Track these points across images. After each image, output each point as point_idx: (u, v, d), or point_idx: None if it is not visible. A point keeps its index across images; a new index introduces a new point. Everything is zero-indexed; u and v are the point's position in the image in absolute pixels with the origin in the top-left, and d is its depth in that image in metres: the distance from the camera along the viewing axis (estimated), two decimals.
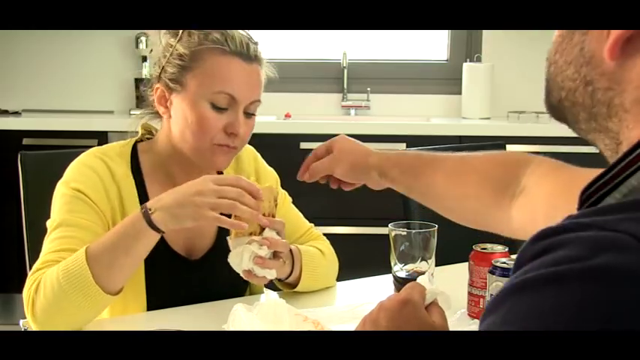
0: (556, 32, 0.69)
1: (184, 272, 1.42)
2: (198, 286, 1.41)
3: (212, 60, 1.33)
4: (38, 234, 1.54)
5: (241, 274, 1.29)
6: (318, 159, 1.33)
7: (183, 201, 1.22)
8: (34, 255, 1.54)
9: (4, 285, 3.11)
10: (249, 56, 1.35)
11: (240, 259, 1.27)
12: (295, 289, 1.43)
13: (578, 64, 0.65)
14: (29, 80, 3.54)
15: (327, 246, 1.55)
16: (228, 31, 1.34)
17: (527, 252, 0.55)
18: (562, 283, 0.50)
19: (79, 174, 1.36)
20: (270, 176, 1.56)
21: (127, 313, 1.37)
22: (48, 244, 1.31)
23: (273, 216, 1.33)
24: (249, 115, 1.38)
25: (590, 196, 0.59)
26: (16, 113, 3.32)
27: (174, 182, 1.37)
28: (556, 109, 0.70)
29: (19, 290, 1.31)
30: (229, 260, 1.28)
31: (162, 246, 1.38)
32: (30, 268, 1.53)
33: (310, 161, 1.33)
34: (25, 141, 3.01)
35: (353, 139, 1.36)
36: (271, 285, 1.42)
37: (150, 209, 1.22)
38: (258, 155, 1.60)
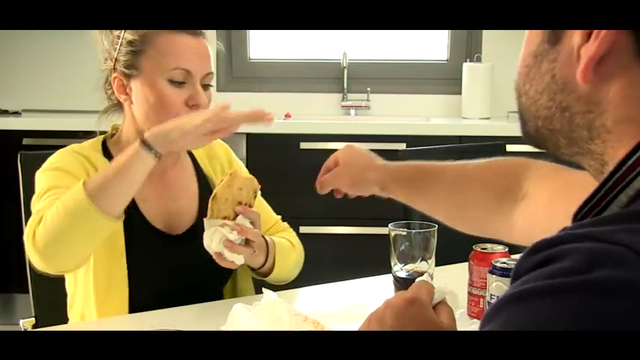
0: (519, 63, 0.68)
1: (166, 247, 1.45)
2: (181, 262, 1.43)
3: (163, 39, 1.38)
4: None
5: (213, 256, 1.33)
6: (328, 171, 1.33)
7: (177, 122, 1.31)
8: None
9: (4, 285, 3.11)
10: (195, 31, 1.41)
11: (211, 240, 1.32)
12: (267, 279, 1.47)
13: (552, 91, 0.65)
14: (29, 80, 3.55)
15: (294, 237, 1.59)
16: None
17: (524, 263, 0.55)
18: (558, 296, 0.50)
19: (58, 158, 1.41)
20: (240, 169, 1.59)
21: (111, 289, 1.37)
22: (41, 204, 1.33)
23: (251, 207, 1.38)
24: (206, 86, 1.43)
25: (582, 219, 0.60)
26: (16, 113, 3.32)
27: None
28: (535, 138, 0.70)
29: (19, 290, 1.31)
30: (204, 241, 1.33)
31: (142, 222, 1.42)
32: (30, 268, 1.53)
33: (321, 174, 1.34)
34: (25, 141, 3.01)
35: (359, 148, 1.37)
36: (271, 286, 1.42)
37: (148, 139, 1.29)
38: (231, 151, 1.65)
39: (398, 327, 0.81)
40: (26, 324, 1.51)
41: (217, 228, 1.32)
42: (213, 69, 1.46)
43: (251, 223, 1.36)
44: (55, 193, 1.32)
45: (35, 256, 1.27)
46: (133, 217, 1.39)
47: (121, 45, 1.40)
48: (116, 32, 1.41)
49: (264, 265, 1.43)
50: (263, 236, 1.42)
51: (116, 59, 1.41)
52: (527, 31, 0.68)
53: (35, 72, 3.54)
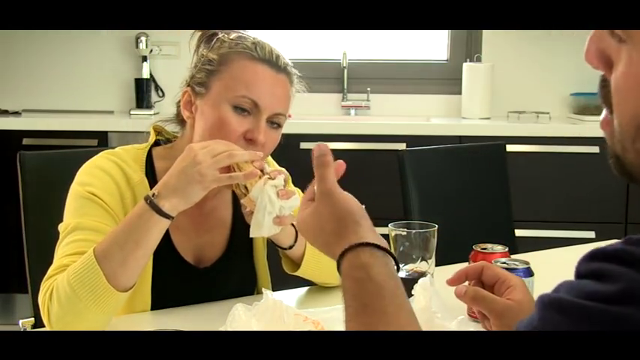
0: (620, 125, 0.61)
1: (192, 280, 1.40)
2: (206, 295, 1.40)
3: (239, 64, 1.32)
4: (38, 234, 1.55)
5: (273, 224, 1.25)
6: None
7: (186, 177, 1.21)
8: (34, 255, 1.54)
9: (4, 285, 3.11)
10: (277, 65, 1.34)
11: (264, 213, 1.23)
12: (299, 273, 1.41)
13: None
14: (29, 80, 3.54)
15: None
16: (259, 40, 1.34)
17: (581, 267, 0.58)
18: (591, 320, 0.53)
19: (94, 177, 1.34)
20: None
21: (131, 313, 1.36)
22: (63, 248, 1.29)
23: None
24: (273, 124, 1.34)
25: None
26: (16, 113, 3.32)
27: None
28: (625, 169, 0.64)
29: (19, 290, 1.31)
30: (252, 228, 1.25)
31: (172, 254, 1.38)
32: (30, 268, 1.53)
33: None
34: (25, 141, 3.01)
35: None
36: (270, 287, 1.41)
37: (155, 195, 1.21)
38: (271, 159, 1.58)
39: (320, 222, 0.90)
40: (26, 324, 1.50)
41: (264, 188, 1.24)
42: (289, 110, 1.37)
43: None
44: (80, 239, 1.27)
45: (49, 326, 1.23)
46: (163, 246, 1.31)
47: (201, 63, 1.35)
48: (204, 51, 1.36)
49: (294, 245, 1.38)
50: (292, 224, 1.34)
51: (192, 75, 1.36)
52: (630, 86, 0.59)
53: (35, 72, 3.54)
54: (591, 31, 0.63)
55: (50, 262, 1.57)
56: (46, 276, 1.26)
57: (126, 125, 3.07)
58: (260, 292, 1.51)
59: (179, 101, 1.40)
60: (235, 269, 1.47)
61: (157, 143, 1.45)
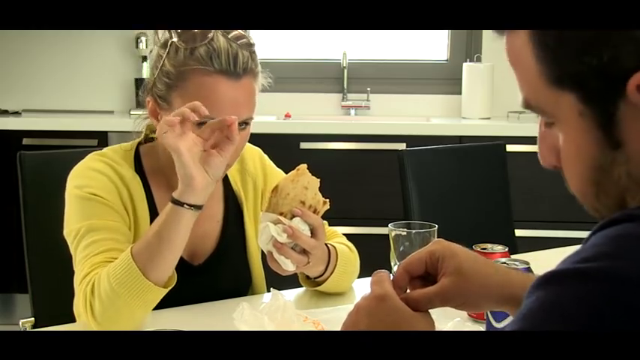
0: (577, 184, 0.67)
1: (187, 276, 1.40)
2: (201, 291, 1.40)
3: (196, 81, 1.28)
4: (38, 234, 1.55)
5: (266, 254, 1.26)
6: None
7: (192, 161, 1.21)
8: (34, 255, 1.54)
9: (4, 285, 3.11)
10: (236, 73, 1.29)
11: (260, 235, 1.23)
12: (320, 288, 1.41)
13: (632, 191, 0.63)
14: (29, 80, 3.54)
15: (349, 242, 1.51)
16: (214, 44, 1.28)
17: (590, 237, 0.59)
18: (580, 281, 0.54)
19: (90, 178, 1.34)
20: (278, 178, 1.54)
21: None
22: (83, 251, 1.28)
23: (316, 213, 1.26)
24: (240, 126, 1.30)
25: None
26: (16, 113, 3.32)
27: (174, 187, 1.37)
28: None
29: (19, 290, 1.31)
30: (258, 235, 1.25)
31: None
32: (30, 268, 1.53)
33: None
34: (25, 141, 3.01)
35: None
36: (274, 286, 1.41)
37: (182, 195, 1.23)
38: (265, 156, 1.57)
39: (373, 325, 0.81)
40: (26, 324, 1.50)
41: (268, 224, 1.21)
42: (255, 106, 1.35)
43: (311, 230, 1.25)
44: (99, 240, 1.28)
45: (95, 328, 1.24)
46: None
47: (160, 70, 1.32)
48: (160, 52, 1.33)
49: (322, 275, 1.37)
50: (327, 244, 1.34)
51: (154, 82, 1.34)
52: (568, 153, 0.66)
53: (35, 72, 3.54)
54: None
55: (50, 262, 1.57)
56: (78, 278, 1.26)
57: (126, 125, 3.06)
58: (256, 290, 1.51)
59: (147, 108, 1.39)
60: (229, 265, 1.46)
61: (146, 141, 1.45)
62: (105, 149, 1.43)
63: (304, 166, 1.26)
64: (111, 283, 1.20)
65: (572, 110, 0.63)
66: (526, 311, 0.56)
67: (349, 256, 1.44)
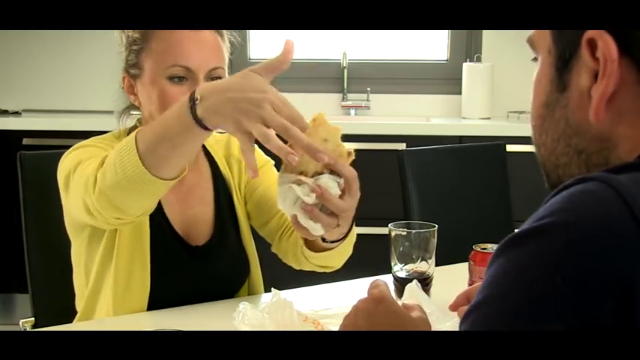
0: (532, 116, 0.72)
1: (185, 256, 1.40)
2: (198, 275, 1.40)
3: (161, 34, 1.32)
4: (38, 234, 1.55)
5: (290, 218, 1.11)
6: None
7: (234, 105, 1.02)
8: (34, 255, 1.54)
9: (4, 285, 3.11)
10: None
11: (284, 199, 1.05)
12: (320, 256, 1.33)
13: (567, 136, 0.68)
14: (29, 80, 3.54)
15: None
16: None
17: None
18: (523, 244, 0.57)
19: (87, 143, 1.35)
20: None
21: (131, 288, 1.34)
22: (83, 171, 1.22)
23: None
24: (214, 80, 1.32)
25: None
26: (16, 113, 3.32)
27: None
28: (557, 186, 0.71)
29: (19, 290, 1.30)
30: (277, 198, 1.07)
31: (166, 226, 1.38)
32: (30, 268, 1.53)
33: None
34: (25, 141, 3.01)
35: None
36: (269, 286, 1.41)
37: (197, 99, 1.05)
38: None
39: (371, 327, 0.82)
40: (26, 324, 1.50)
41: (292, 185, 1.04)
42: (225, 60, 1.35)
43: (338, 184, 1.07)
44: (98, 158, 1.21)
45: (97, 194, 1.15)
46: (157, 218, 1.32)
47: (127, 45, 1.36)
48: (128, 32, 1.37)
49: (342, 239, 1.27)
50: None
51: (125, 59, 1.38)
52: (533, 85, 0.72)
53: (35, 72, 3.54)
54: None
55: (50, 262, 1.57)
56: (86, 176, 1.19)
57: (120, 122, 3.06)
58: (253, 274, 1.51)
59: (124, 87, 1.42)
60: (226, 248, 1.45)
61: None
62: (99, 136, 1.43)
63: (321, 114, 1.08)
64: (116, 168, 1.12)
65: (545, 47, 0.69)
66: (491, 278, 0.57)
67: None
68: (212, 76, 1.35)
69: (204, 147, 1.48)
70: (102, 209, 1.18)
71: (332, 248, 1.30)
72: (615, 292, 0.50)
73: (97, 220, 1.22)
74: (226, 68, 1.39)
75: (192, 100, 1.05)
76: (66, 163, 1.31)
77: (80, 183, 1.21)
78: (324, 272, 1.43)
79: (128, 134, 1.41)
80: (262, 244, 1.54)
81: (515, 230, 0.60)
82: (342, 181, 1.07)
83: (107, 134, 1.46)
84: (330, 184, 1.05)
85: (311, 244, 1.34)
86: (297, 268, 1.46)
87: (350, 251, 1.37)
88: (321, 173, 1.05)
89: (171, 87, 1.32)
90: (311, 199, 1.03)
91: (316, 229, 1.08)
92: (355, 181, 1.08)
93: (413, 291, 1.17)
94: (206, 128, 1.06)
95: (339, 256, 1.35)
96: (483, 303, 0.57)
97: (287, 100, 1.04)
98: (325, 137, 1.05)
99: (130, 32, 1.36)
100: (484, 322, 0.55)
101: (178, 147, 1.10)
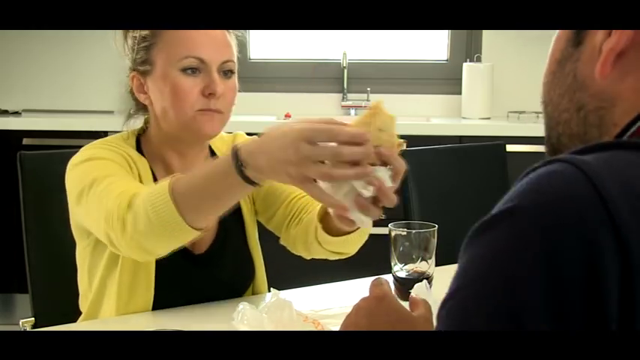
0: (544, 74, 0.72)
1: (188, 264, 1.39)
2: (200, 283, 1.39)
3: (172, 30, 1.33)
4: (38, 234, 1.55)
5: (335, 208, 1.07)
6: None
7: (277, 169, 1.02)
8: (34, 255, 1.54)
9: (4, 285, 3.11)
10: None
11: (338, 189, 1.00)
12: (338, 241, 1.30)
13: (571, 91, 0.68)
14: (29, 80, 3.54)
15: None
16: None
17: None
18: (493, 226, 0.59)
19: (97, 148, 1.34)
20: None
21: (135, 292, 1.34)
22: (96, 197, 1.22)
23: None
24: (226, 74, 1.35)
25: None
26: (16, 113, 3.32)
27: (172, 170, 1.37)
28: (556, 149, 0.72)
29: (19, 290, 1.30)
30: (333, 190, 1.02)
31: None
32: (30, 268, 1.53)
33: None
34: (25, 141, 3.01)
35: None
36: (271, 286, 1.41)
37: (243, 165, 1.05)
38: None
39: (372, 326, 0.82)
40: (26, 324, 1.50)
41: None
42: (235, 55, 1.37)
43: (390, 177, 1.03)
44: (114, 182, 1.22)
45: (125, 239, 1.17)
46: None
47: (137, 43, 1.36)
48: (135, 32, 1.37)
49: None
50: None
51: (133, 59, 1.38)
52: (552, 44, 0.71)
53: (35, 72, 3.54)
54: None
55: (50, 262, 1.57)
56: (107, 210, 1.19)
57: (126, 125, 3.06)
58: (258, 279, 1.50)
59: (131, 90, 1.41)
60: (230, 253, 1.44)
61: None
62: (107, 138, 1.42)
63: (379, 102, 1.04)
64: (148, 214, 1.12)
65: None
66: (466, 264, 0.59)
67: None
68: (224, 69, 1.35)
69: (209, 147, 1.48)
70: (130, 251, 1.20)
71: (351, 232, 1.27)
72: (583, 265, 0.52)
73: (119, 252, 1.23)
74: (237, 63, 1.39)
75: (236, 160, 1.05)
76: (79, 174, 1.30)
77: (100, 213, 1.21)
78: (336, 259, 1.37)
79: (136, 136, 1.42)
80: (264, 244, 1.54)
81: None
82: (392, 172, 1.03)
83: (115, 136, 1.44)
84: (385, 177, 1.01)
85: (329, 229, 1.29)
86: (308, 257, 1.41)
87: (367, 236, 1.32)
88: (372, 164, 1.00)
89: (185, 79, 1.32)
90: (369, 192, 1.00)
91: (365, 222, 1.04)
92: (401, 175, 1.05)
93: (421, 292, 1.17)
94: (254, 184, 1.07)
95: (358, 240, 1.31)
96: (462, 287, 0.57)
97: (315, 121, 1.02)
98: (380, 127, 1.02)
99: (137, 32, 1.36)
100: (462, 305, 0.56)
101: (226, 202, 1.13)
